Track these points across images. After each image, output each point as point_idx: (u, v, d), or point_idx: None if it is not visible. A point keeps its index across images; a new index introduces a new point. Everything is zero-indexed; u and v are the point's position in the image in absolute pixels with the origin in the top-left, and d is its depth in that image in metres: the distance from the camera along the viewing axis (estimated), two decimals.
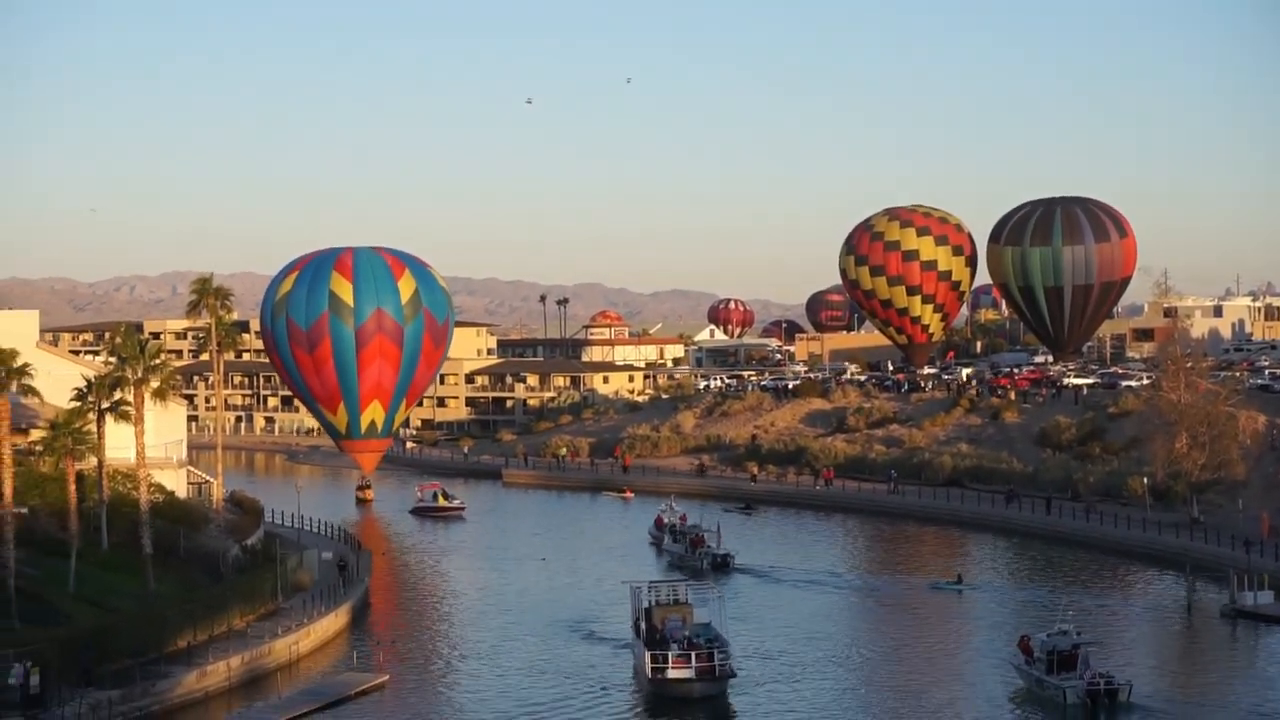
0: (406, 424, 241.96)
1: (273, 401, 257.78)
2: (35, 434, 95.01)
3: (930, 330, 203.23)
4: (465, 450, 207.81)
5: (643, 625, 79.14)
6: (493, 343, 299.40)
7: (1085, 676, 71.11)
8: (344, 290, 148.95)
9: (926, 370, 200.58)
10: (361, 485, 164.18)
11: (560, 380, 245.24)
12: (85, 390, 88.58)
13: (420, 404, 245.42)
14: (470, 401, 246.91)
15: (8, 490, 77.55)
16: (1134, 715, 69.98)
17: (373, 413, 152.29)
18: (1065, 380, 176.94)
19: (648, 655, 74.40)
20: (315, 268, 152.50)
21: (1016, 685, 75.74)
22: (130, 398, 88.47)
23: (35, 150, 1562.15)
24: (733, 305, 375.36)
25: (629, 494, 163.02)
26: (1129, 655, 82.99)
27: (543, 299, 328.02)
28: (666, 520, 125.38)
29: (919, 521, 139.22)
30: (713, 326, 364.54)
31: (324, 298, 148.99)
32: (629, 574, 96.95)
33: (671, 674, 73.33)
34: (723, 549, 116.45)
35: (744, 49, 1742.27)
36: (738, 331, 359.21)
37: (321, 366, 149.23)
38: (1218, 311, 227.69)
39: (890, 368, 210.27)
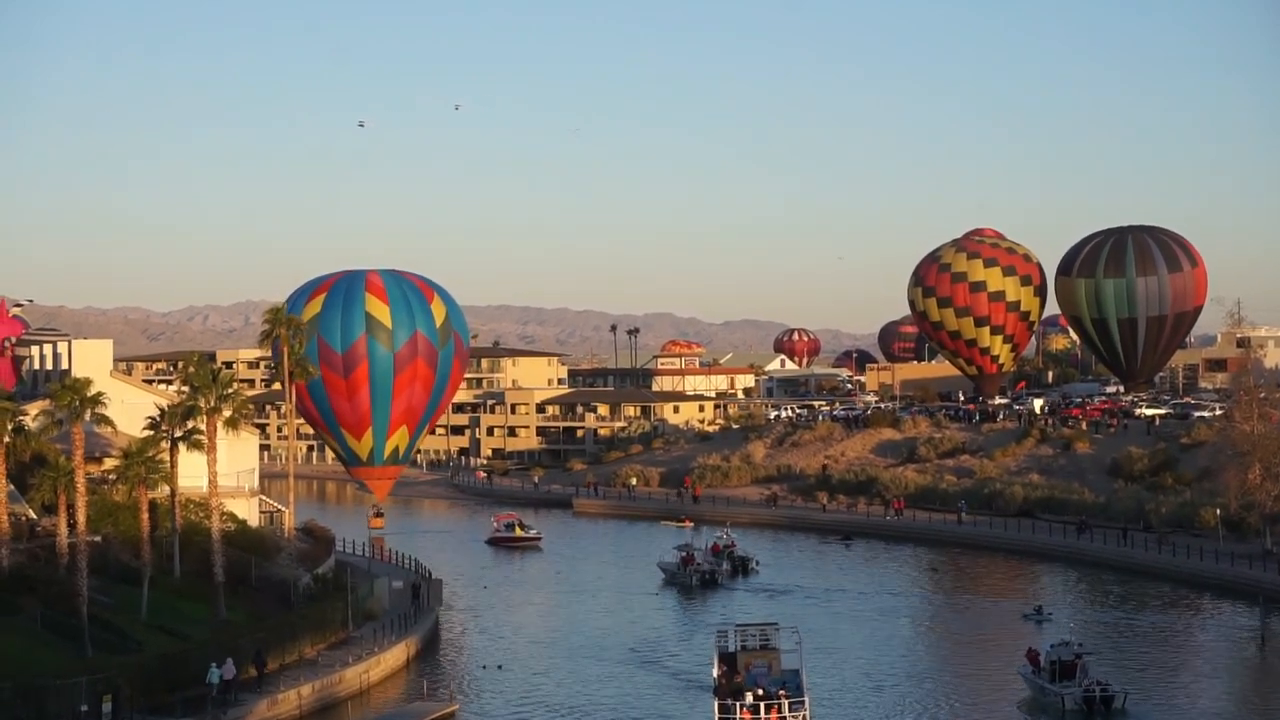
0: (477, 453, 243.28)
1: None
2: (109, 463, 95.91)
3: (1000, 361, 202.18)
4: (535, 480, 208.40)
5: (715, 671, 75.08)
6: (563, 372, 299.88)
7: (1083, 684, 74.17)
8: (380, 312, 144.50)
9: (998, 400, 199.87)
10: (376, 513, 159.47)
11: (631, 410, 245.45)
12: (158, 419, 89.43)
13: (491, 433, 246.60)
14: (541, 431, 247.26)
15: (81, 519, 78.24)
16: None
17: (399, 438, 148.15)
18: (1137, 410, 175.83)
19: (715, 705, 70.88)
20: (345, 288, 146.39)
21: (1024, 694, 78.60)
22: (203, 427, 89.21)
23: (109, 182, 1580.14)
24: (798, 335, 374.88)
25: (688, 523, 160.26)
26: (1199, 683, 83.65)
27: (613, 328, 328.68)
28: (721, 546, 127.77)
29: (990, 551, 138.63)
30: (782, 356, 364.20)
31: (360, 319, 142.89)
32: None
33: None
34: (709, 565, 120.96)
35: (814, 80, 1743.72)
36: (805, 361, 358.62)
37: (356, 390, 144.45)
38: None
39: (961, 398, 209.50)
